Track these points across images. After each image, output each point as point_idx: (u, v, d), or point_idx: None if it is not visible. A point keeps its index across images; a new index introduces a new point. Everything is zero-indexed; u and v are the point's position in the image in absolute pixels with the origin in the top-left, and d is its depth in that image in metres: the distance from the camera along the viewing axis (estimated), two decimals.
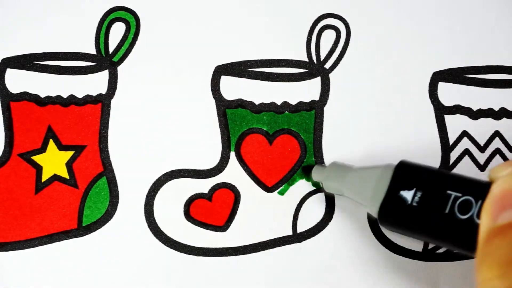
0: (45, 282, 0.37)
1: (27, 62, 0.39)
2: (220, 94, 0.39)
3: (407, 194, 0.28)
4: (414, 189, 0.28)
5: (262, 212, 0.38)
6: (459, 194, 0.27)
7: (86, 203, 0.38)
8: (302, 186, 0.39)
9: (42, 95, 0.39)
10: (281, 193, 0.38)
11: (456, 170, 0.39)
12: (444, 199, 0.27)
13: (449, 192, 0.27)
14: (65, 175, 0.38)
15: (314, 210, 0.38)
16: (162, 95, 0.39)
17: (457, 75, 0.40)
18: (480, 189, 0.26)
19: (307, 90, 0.39)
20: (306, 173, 0.38)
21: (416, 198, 0.28)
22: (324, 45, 0.40)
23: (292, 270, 0.37)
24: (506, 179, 0.24)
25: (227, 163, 0.39)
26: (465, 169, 0.39)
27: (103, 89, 0.39)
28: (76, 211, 0.38)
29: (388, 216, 0.29)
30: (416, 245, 0.37)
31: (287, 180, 0.38)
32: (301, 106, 0.39)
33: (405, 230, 0.29)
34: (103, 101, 0.39)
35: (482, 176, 0.38)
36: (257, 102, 0.39)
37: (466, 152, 0.39)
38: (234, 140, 0.39)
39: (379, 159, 0.38)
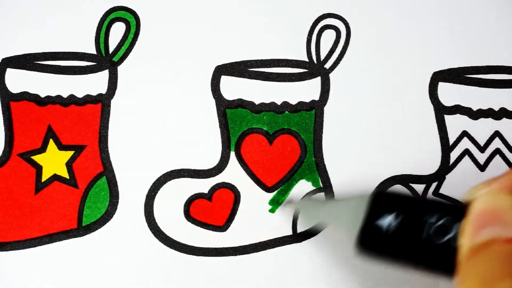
0: (45, 282, 0.37)
1: (27, 61, 0.39)
2: (220, 94, 0.39)
3: (384, 222, 0.28)
4: (390, 216, 0.28)
5: (262, 212, 0.38)
6: (435, 219, 0.27)
7: (86, 203, 0.38)
8: (302, 187, 0.39)
9: (42, 95, 0.39)
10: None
11: (456, 170, 0.39)
12: (420, 225, 0.27)
13: (425, 217, 0.27)
14: (65, 175, 0.38)
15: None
16: (162, 95, 0.39)
17: (457, 75, 0.40)
18: (456, 213, 0.26)
19: (307, 90, 0.39)
20: (284, 209, 0.38)
21: (393, 226, 0.28)
22: (324, 45, 0.40)
23: (292, 270, 0.37)
24: (484, 198, 0.25)
25: (227, 163, 0.39)
26: (465, 169, 0.39)
27: (103, 89, 0.39)
28: (76, 211, 0.38)
29: (366, 246, 0.29)
30: None
31: (287, 180, 0.38)
32: (301, 106, 0.39)
33: (384, 258, 0.29)
34: (103, 101, 0.39)
35: (482, 177, 0.39)
36: (257, 102, 0.39)
37: (466, 152, 0.39)
38: (234, 140, 0.39)
39: (379, 159, 0.38)
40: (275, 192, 0.38)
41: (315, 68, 0.40)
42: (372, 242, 0.29)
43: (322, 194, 0.37)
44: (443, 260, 0.26)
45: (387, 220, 0.28)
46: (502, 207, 0.24)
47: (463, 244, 0.25)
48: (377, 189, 0.30)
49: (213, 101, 0.39)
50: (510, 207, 0.24)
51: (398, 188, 0.31)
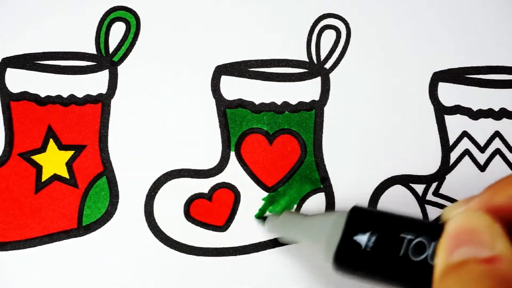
0: (45, 282, 0.37)
1: (27, 61, 0.39)
2: (220, 94, 0.39)
3: (362, 239, 0.28)
4: (368, 233, 0.28)
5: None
6: (413, 237, 0.27)
7: (86, 203, 0.38)
8: (300, 187, 0.39)
9: (42, 95, 0.39)
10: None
11: (456, 170, 0.39)
12: (398, 242, 0.27)
13: (402, 235, 0.27)
14: (65, 174, 0.38)
15: (314, 210, 0.38)
16: (162, 95, 0.39)
17: (457, 75, 0.40)
18: (434, 231, 0.27)
19: (307, 90, 0.39)
20: (261, 222, 0.38)
21: (370, 243, 0.28)
22: (324, 45, 0.40)
23: (292, 270, 0.37)
24: (460, 217, 0.25)
25: (227, 163, 0.39)
26: (465, 169, 0.39)
27: (103, 89, 0.39)
28: (76, 211, 0.38)
29: (343, 261, 0.29)
30: None
31: (287, 180, 0.38)
32: (301, 106, 0.39)
33: (361, 275, 0.29)
34: (103, 101, 0.39)
35: (483, 177, 0.39)
36: (257, 102, 0.39)
37: (466, 152, 0.39)
38: (234, 140, 0.39)
39: (379, 159, 0.38)
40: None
41: (315, 68, 0.40)
42: (349, 258, 0.29)
43: (296, 212, 0.37)
44: (420, 278, 0.26)
45: (365, 237, 0.28)
46: (478, 227, 0.24)
47: (437, 263, 0.24)
48: (354, 206, 0.30)
49: (213, 101, 0.39)
50: (485, 227, 0.24)
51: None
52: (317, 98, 0.39)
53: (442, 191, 0.38)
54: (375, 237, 0.28)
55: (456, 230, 0.24)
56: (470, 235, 0.24)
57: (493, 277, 0.22)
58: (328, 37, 0.40)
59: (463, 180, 0.39)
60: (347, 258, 0.29)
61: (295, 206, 0.38)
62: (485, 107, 0.39)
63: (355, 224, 0.29)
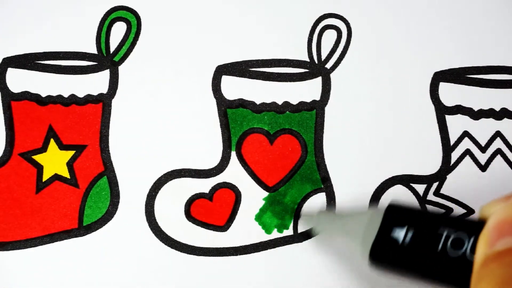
0: (45, 282, 0.37)
1: (28, 61, 0.39)
2: (221, 93, 0.39)
3: (399, 234, 0.28)
4: (405, 228, 0.28)
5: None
6: (451, 233, 0.27)
7: (86, 203, 0.38)
8: (301, 187, 0.39)
9: (43, 95, 0.39)
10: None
11: (457, 171, 0.39)
12: (436, 237, 0.27)
13: (440, 231, 0.27)
14: (66, 174, 0.38)
15: (315, 210, 0.38)
16: (163, 94, 0.39)
17: (458, 75, 0.40)
18: (472, 227, 0.27)
19: (308, 90, 0.39)
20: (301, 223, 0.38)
21: (408, 238, 0.28)
22: (325, 45, 0.40)
23: (293, 270, 0.37)
24: (503, 209, 0.25)
25: (228, 163, 0.39)
26: (466, 169, 0.39)
27: (104, 89, 0.39)
28: (76, 211, 0.38)
29: (380, 257, 0.29)
30: None
31: (288, 180, 0.38)
32: (302, 106, 0.39)
33: (398, 271, 0.29)
34: (104, 101, 0.39)
35: (483, 177, 0.38)
36: (258, 102, 0.39)
37: (467, 152, 0.39)
38: (235, 140, 0.39)
39: (380, 159, 0.38)
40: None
41: (316, 68, 0.40)
42: (386, 254, 0.29)
43: (331, 209, 0.38)
44: (458, 273, 0.26)
45: (402, 233, 0.28)
46: None
47: (478, 253, 0.24)
48: (390, 202, 0.30)
49: (214, 101, 0.39)
50: None
51: (411, 203, 0.31)
52: (318, 98, 0.39)
53: (443, 191, 0.38)
54: (412, 233, 0.28)
55: (498, 222, 0.24)
56: None
57: None
58: (329, 37, 0.40)
59: (464, 180, 0.39)
60: (383, 253, 0.29)
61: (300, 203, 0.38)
62: (486, 107, 0.39)
63: (392, 220, 0.29)
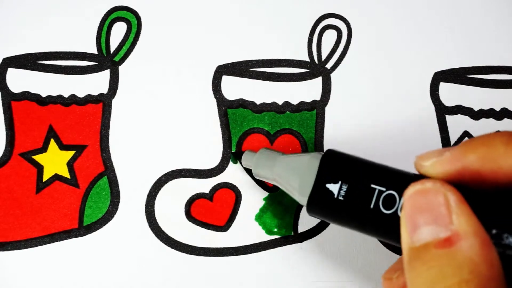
0: (45, 282, 0.37)
1: (29, 61, 0.39)
2: (221, 94, 0.39)
3: (333, 188, 0.29)
4: (340, 182, 0.29)
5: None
6: (383, 189, 0.27)
7: (87, 203, 0.38)
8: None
9: (43, 95, 0.39)
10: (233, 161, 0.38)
11: None
12: (369, 194, 0.28)
13: (373, 186, 0.28)
14: (66, 174, 0.38)
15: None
16: (163, 95, 0.39)
17: (459, 75, 0.40)
18: (403, 183, 0.27)
19: (308, 90, 0.39)
20: (237, 158, 0.38)
21: (342, 192, 0.29)
22: (325, 45, 0.40)
23: (293, 270, 0.37)
24: (413, 192, 0.25)
25: (228, 163, 0.39)
26: None
27: (104, 89, 0.39)
28: (77, 211, 0.38)
29: (315, 208, 0.30)
30: None
31: None
32: (303, 106, 0.39)
33: (334, 221, 0.30)
34: (104, 101, 0.39)
35: None
36: (258, 102, 0.39)
37: None
38: (235, 140, 0.39)
39: (380, 158, 0.38)
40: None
41: (316, 68, 0.40)
42: (322, 205, 0.29)
43: (273, 150, 0.36)
44: (390, 230, 0.27)
45: (337, 186, 0.29)
46: (432, 202, 0.24)
47: (403, 241, 0.24)
48: (328, 150, 0.30)
49: (214, 101, 0.39)
50: (439, 201, 0.23)
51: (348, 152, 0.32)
52: (318, 98, 0.39)
53: None
54: (347, 186, 0.28)
55: (412, 208, 0.24)
56: (427, 212, 0.24)
57: (454, 261, 0.22)
58: (329, 37, 0.40)
59: None
60: (319, 205, 0.29)
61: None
62: (486, 107, 0.39)
63: (328, 170, 0.29)
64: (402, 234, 0.25)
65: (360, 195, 0.28)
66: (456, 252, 0.22)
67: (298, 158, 0.32)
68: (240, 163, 0.37)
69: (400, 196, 0.27)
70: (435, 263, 0.22)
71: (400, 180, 0.27)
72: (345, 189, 0.28)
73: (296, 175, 0.31)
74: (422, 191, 0.24)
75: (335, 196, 0.29)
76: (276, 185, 0.34)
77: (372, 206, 0.27)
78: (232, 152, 0.38)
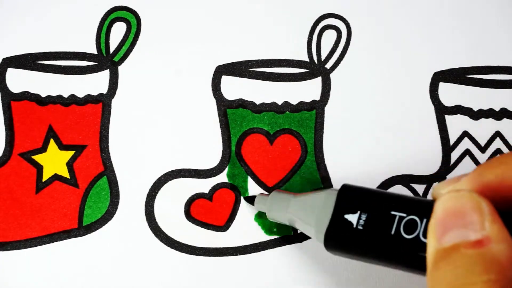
0: (45, 282, 0.37)
1: (28, 61, 0.39)
2: (221, 94, 0.39)
3: (352, 218, 0.28)
4: (359, 212, 0.28)
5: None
6: (404, 214, 0.27)
7: (86, 203, 0.38)
8: (301, 187, 0.39)
9: (43, 95, 0.39)
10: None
11: (457, 171, 0.39)
12: (389, 220, 0.27)
13: (393, 212, 0.27)
14: (66, 174, 0.38)
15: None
16: (162, 95, 0.39)
17: (458, 75, 0.40)
18: (424, 208, 0.27)
19: (308, 90, 0.39)
20: (249, 203, 0.38)
21: (361, 221, 0.28)
22: (325, 45, 0.40)
23: (292, 270, 0.37)
24: (448, 197, 0.25)
25: (228, 163, 0.39)
26: (466, 169, 0.39)
27: (104, 89, 0.39)
28: (76, 211, 0.38)
29: (334, 241, 0.29)
30: None
31: (287, 180, 0.38)
32: (302, 106, 0.39)
33: (353, 254, 0.29)
34: (104, 101, 0.39)
35: None
36: (258, 102, 0.39)
37: (467, 152, 0.39)
38: (235, 140, 0.39)
39: (379, 159, 0.38)
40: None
41: (316, 68, 0.40)
42: (340, 237, 0.29)
43: (286, 192, 0.36)
44: (412, 256, 0.26)
45: (356, 215, 0.28)
46: (466, 207, 0.24)
47: (428, 249, 0.24)
48: (344, 184, 0.30)
49: (214, 101, 0.39)
50: (473, 207, 0.23)
51: (364, 183, 0.31)
52: (317, 98, 0.39)
53: None
54: (366, 215, 0.28)
55: (444, 212, 0.24)
56: (458, 217, 0.24)
57: (483, 261, 0.22)
58: (329, 37, 0.40)
59: None
60: (338, 237, 0.29)
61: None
62: (485, 107, 0.39)
63: (345, 203, 0.29)
64: (428, 240, 0.24)
65: (380, 223, 0.27)
66: (486, 253, 0.22)
67: (312, 196, 0.32)
68: (252, 205, 0.37)
69: (422, 221, 0.26)
70: (463, 262, 0.22)
71: (421, 206, 0.27)
72: (364, 218, 0.28)
73: (312, 212, 0.31)
74: (457, 197, 0.24)
75: (354, 226, 0.28)
76: (292, 225, 0.34)
77: (393, 232, 0.27)
78: (244, 198, 0.38)
